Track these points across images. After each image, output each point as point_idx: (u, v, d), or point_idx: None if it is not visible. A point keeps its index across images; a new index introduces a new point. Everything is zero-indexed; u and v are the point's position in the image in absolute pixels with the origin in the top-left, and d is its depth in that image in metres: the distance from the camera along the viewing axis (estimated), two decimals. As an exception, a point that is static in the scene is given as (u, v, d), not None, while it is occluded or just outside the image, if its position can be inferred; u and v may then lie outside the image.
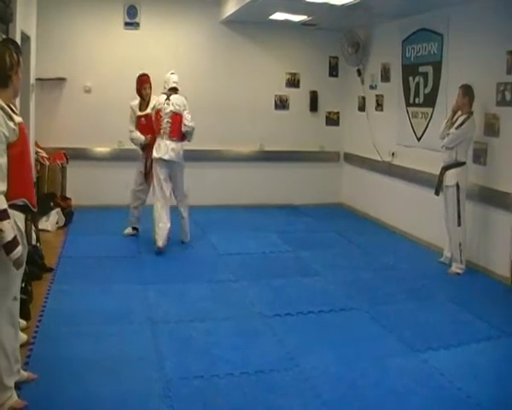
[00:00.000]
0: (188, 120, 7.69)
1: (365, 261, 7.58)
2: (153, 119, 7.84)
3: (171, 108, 7.66)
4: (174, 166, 7.73)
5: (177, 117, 7.66)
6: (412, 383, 4.38)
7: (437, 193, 7.25)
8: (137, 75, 8.14)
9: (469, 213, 7.17)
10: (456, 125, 7.03)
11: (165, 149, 7.60)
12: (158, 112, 7.72)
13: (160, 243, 7.52)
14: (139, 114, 8.15)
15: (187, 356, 4.68)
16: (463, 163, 7.03)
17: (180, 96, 7.81)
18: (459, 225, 7.04)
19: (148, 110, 8.05)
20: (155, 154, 7.64)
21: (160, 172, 7.67)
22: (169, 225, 7.63)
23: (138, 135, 8.10)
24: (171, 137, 7.64)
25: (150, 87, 8.16)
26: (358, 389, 4.26)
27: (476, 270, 7.15)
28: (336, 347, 4.96)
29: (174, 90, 7.78)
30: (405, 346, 5.00)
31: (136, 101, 8.20)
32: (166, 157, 7.59)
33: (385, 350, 4.93)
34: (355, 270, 7.14)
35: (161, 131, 7.67)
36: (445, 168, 7.13)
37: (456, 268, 7.10)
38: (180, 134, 7.71)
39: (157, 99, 7.84)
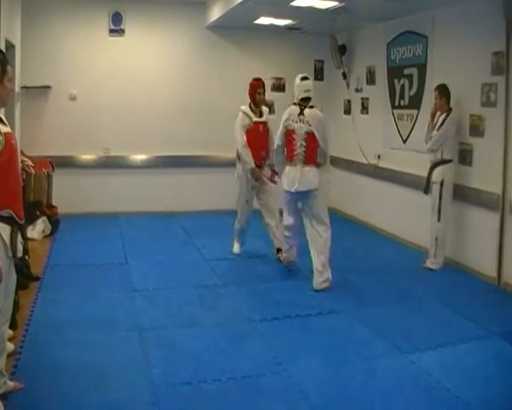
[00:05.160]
0: (324, 141, 6.65)
1: (352, 264, 7.59)
2: (276, 137, 6.80)
3: (305, 127, 6.57)
4: (309, 196, 6.63)
5: (312, 138, 6.56)
6: (400, 384, 4.38)
7: (426, 192, 7.28)
8: (251, 80, 7.60)
9: (456, 213, 7.22)
10: (437, 126, 7.11)
11: (296, 178, 6.55)
12: (290, 133, 6.63)
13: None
14: (257, 119, 7.46)
15: (174, 362, 4.66)
16: (450, 160, 7.11)
17: (316, 109, 6.70)
18: (439, 220, 7.10)
19: (264, 119, 7.52)
20: (285, 186, 6.66)
21: (290, 205, 6.83)
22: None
23: (250, 158, 7.34)
24: (306, 164, 6.58)
25: (264, 92, 7.56)
26: (346, 392, 4.26)
27: (463, 270, 7.18)
28: (324, 350, 4.96)
29: (307, 100, 6.65)
30: (393, 347, 5.00)
31: (246, 106, 7.53)
32: (297, 188, 6.57)
33: (372, 352, 4.93)
34: (342, 272, 7.11)
35: (295, 157, 6.59)
36: (433, 166, 7.20)
37: (430, 263, 7.19)
38: (317, 160, 6.68)
39: (288, 111, 6.71)
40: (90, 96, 9.88)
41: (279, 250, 7.56)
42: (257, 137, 7.46)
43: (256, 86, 7.49)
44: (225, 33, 10.40)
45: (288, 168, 6.68)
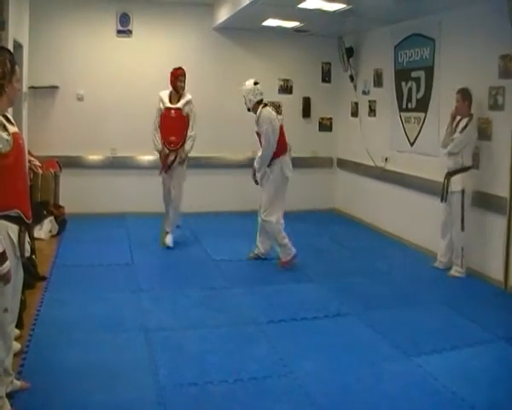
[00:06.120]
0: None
1: (359, 266, 7.58)
2: (268, 134, 7.22)
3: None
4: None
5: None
6: (406, 387, 4.38)
7: (443, 199, 7.23)
8: (172, 69, 7.96)
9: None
10: (459, 129, 7.02)
11: (290, 164, 7.43)
12: (282, 127, 7.42)
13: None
14: (169, 105, 7.88)
15: (180, 363, 4.66)
16: (469, 168, 7.01)
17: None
18: (463, 229, 7.03)
19: (179, 105, 7.85)
20: (288, 173, 7.37)
21: (284, 189, 7.42)
22: None
23: (158, 141, 7.96)
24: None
25: (185, 81, 7.90)
26: (352, 395, 4.26)
27: (470, 273, 7.14)
28: (330, 352, 4.96)
29: (260, 102, 7.39)
30: (399, 351, 5.00)
31: (167, 91, 7.98)
32: (290, 174, 7.41)
33: (379, 355, 4.93)
34: (349, 275, 7.14)
35: (288, 146, 7.46)
36: (451, 174, 7.10)
37: (455, 272, 7.10)
38: None
39: (269, 114, 7.29)
40: (98, 97, 9.89)
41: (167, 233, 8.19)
42: (167, 121, 7.90)
43: (178, 74, 7.88)
44: (233, 35, 10.41)
45: (285, 157, 7.36)
